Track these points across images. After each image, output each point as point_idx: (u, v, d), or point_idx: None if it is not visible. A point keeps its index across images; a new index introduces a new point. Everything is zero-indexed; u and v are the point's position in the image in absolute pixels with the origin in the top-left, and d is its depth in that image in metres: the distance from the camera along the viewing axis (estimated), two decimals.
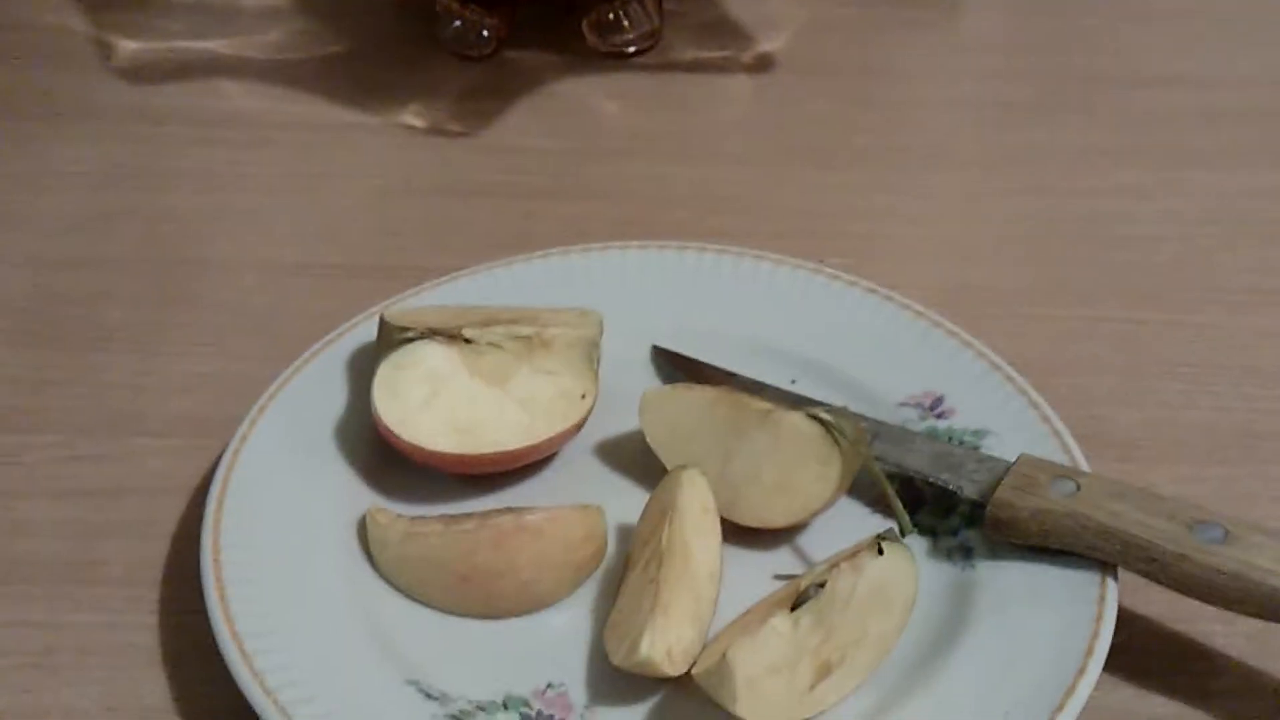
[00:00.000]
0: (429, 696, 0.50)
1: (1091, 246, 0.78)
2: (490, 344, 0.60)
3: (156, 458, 0.63)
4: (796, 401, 0.60)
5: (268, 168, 0.84)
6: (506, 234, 0.78)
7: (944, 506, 0.58)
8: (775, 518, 0.57)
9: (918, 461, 0.59)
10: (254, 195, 0.82)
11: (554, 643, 0.54)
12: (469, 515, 0.56)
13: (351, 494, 0.59)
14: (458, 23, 0.93)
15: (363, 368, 0.62)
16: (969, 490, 0.57)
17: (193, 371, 0.68)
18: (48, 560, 0.58)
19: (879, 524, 0.57)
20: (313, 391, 0.62)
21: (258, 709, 0.48)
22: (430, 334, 0.60)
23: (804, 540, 0.58)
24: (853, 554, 0.52)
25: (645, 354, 0.67)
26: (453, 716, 0.50)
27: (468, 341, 0.60)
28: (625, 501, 0.58)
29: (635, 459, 0.61)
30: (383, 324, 0.61)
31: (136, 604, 0.56)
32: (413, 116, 0.89)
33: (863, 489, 0.59)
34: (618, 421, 0.62)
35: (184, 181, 0.82)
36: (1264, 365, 0.69)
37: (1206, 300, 0.74)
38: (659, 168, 0.85)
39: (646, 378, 0.66)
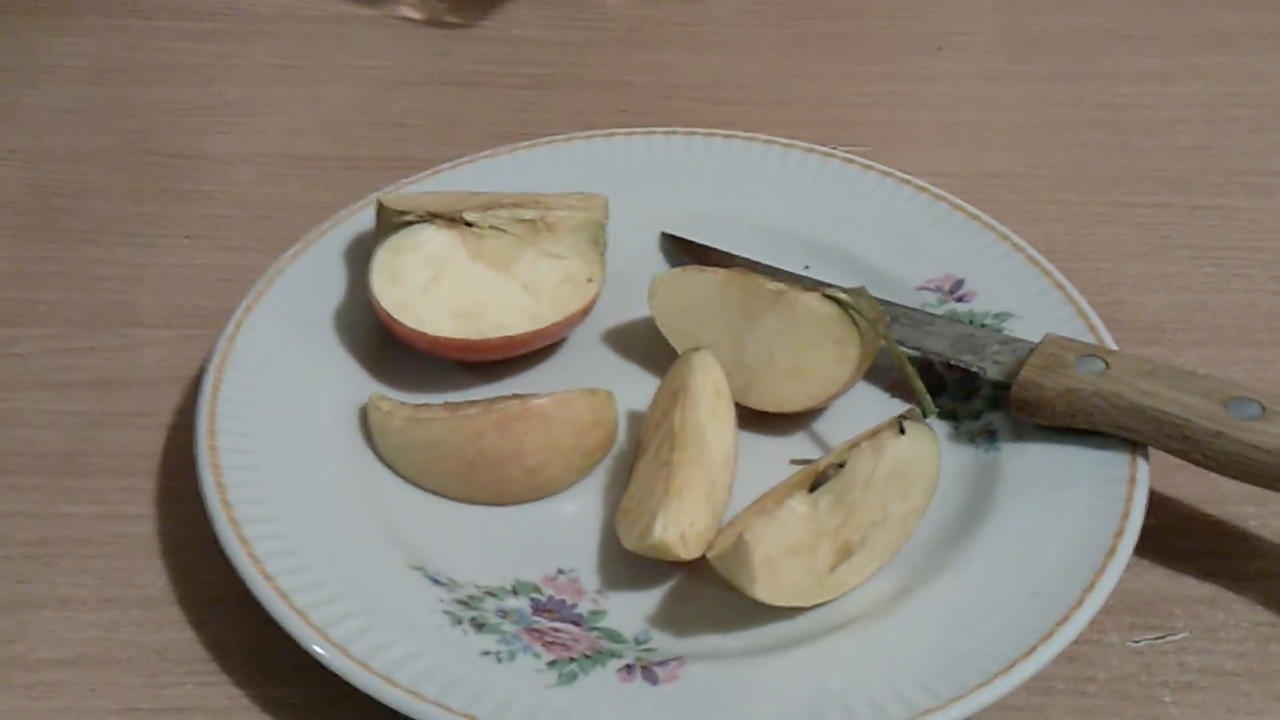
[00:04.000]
0: (436, 582, 0.49)
1: (1114, 131, 0.76)
2: (493, 227, 0.58)
3: (152, 349, 0.61)
4: (811, 284, 0.57)
5: (262, 60, 0.81)
6: (507, 125, 0.76)
7: (966, 390, 0.57)
8: (791, 401, 0.55)
9: (938, 344, 0.57)
10: (248, 88, 0.79)
11: (564, 529, 0.52)
12: (474, 401, 0.54)
13: (353, 382, 0.57)
14: None
15: (362, 255, 0.60)
16: (992, 371, 0.55)
17: (188, 263, 0.66)
18: (43, 452, 0.56)
19: (899, 408, 0.55)
20: (311, 279, 0.60)
21: (256, 593, 0.46)
22: (430, 217, 0.58)
23: (822, 425, 0.56)
24: (873, 434, 0.50)
25: (654, 241, 0.65)
26: (460, 602, 0.48)
27: (469, 225, 0.58)
28: (636, 388, 0.56)
29: (646, 345, 0.59)
30: (380, 208, 0.59)
31: (134, 495, 0.55)
32: (409, 8, 0.86)
33: (881, 373, 0.57)
34: (627, 309, 0.60)
35: (177, 75, 0.80)
36: None
37: (1233, 184, 0.71)
38: (664, 58, 0.82)
39: (656, 265, 0.64)
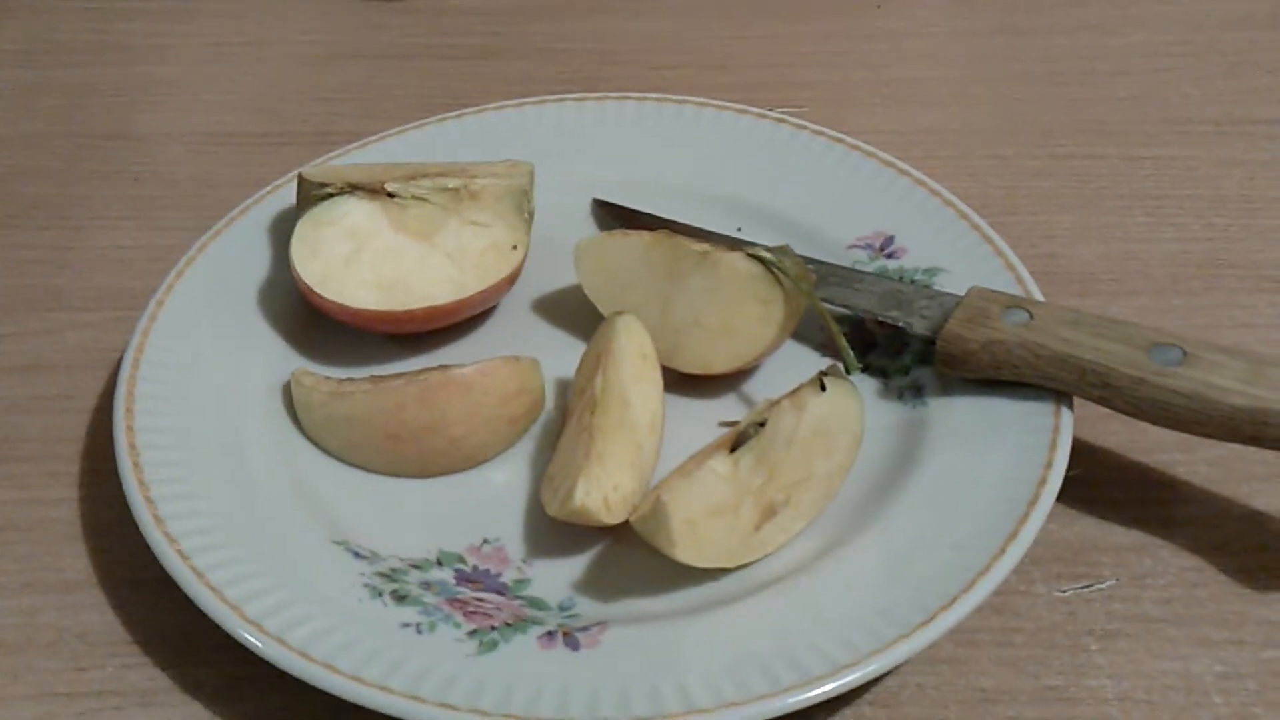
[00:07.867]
0: (358, 555, 0.48)
1: (1052, 85, 0.75)
2: (415, 197, 0.57)
3: (76, 332, 0.60)
4: (738, 245, 0.57)
5: (191, 39, 0.81)
6: (443, 97, 0.75)
7: (895, 347, 0.56)
8: (718, 362, 0.54)
9: (866, 301, 0.56)
10: (178, 67, 0.78)
11: (491, 499, 0.52)
12: (400, 374, 0.53)
13: (276, 359, 0.56)
14: None
15: (286, 230, 0.59)
16: (919, 326, 0.54)
17: (115, 245, 0.65)
18: None
19: None
20: (233, 256, 0.59)
21: (170, 570, 0.45)
22: (351, 189, 0.57)
23: (752, 386, 0.56)
24: (795, 392, 0.50)
25: (586, 208, 0.64)
26: (382, 574, 0.48)
27: (391, 195, 0.57)
28: (566, 355, 0.55)
29: (576, 313, 0.58)
30: (301, 182, 0.58)
31: (55, 479, 0.54)
32: None
33: (811, 333, 0.57)
34: (559, 277, 0.60)
35: (104, 55, 0.79)
36: (1230, 194, 0.67)
37: (1169, 133, 0.71)
38: (603, 24, 0.82)
39: (587, 231, 0.63)
